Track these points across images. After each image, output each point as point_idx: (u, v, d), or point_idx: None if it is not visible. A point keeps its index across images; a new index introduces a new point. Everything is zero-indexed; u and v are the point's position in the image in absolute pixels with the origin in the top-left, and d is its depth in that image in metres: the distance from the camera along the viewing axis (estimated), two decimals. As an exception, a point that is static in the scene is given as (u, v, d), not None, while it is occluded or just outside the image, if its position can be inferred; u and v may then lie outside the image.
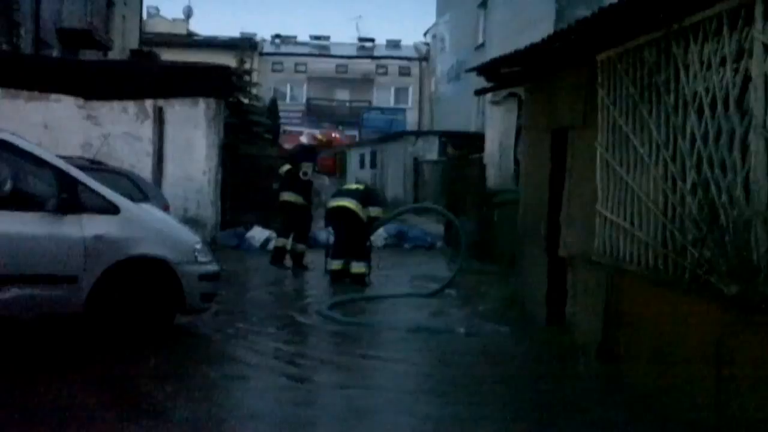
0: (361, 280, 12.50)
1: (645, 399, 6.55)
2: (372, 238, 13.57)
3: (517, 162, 15.44)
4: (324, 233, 14.37)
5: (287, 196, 13.59)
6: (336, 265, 12.61)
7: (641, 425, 6.10)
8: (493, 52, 16.36)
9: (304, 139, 14.10)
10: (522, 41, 9.34)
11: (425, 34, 51.32)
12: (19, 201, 7.65)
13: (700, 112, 5.90)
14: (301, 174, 13.51)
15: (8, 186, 7.64)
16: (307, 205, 13.44)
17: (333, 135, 15.68)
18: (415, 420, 6.15)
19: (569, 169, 8.74)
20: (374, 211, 12.83)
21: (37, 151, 7.84)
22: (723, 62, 5.63)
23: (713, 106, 5.73)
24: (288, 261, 13.67)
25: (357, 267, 12.50)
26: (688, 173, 6.04)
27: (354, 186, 13.71)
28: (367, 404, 6.44)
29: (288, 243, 13.67)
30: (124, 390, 6.58)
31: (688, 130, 6.05)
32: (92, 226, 7.72)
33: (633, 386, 6.90)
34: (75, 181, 7.73)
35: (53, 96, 16.01)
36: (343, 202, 12.76)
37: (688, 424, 5.89)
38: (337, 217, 12.79)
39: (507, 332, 9.40)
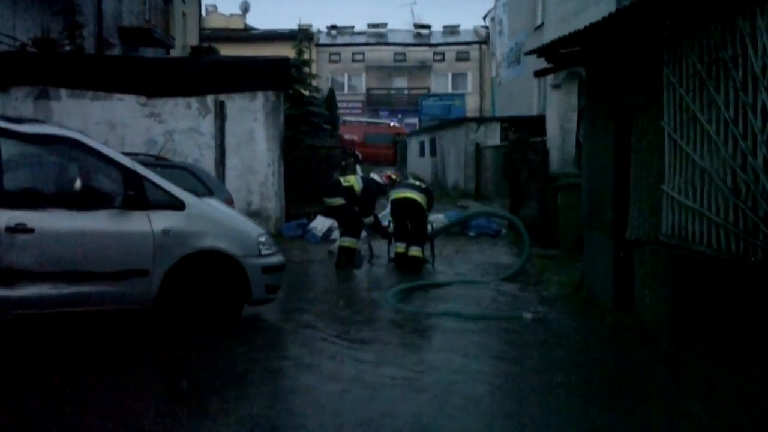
0: (418, 264, 12.90)
1: (717, 384, 6.41)
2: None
3: (579, 145, 15.22)
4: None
5: (326, 200, 13.70)
6: (400, 247, 13.12)
7: (715, 412, 5.96)
8: (552, 33, 16.14)
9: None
10: (581, 21, 9.19)
11: (485, 18, 50.91)
12: (89, 198, 7.81)
13: (770, 87, 5.72)
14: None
15: (78, 184, 7.81)
16: (345, 203, 13.41)
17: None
18: (492, 411, 6.13)
19: (634, 150, 8.57)
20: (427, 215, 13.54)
21: (104, 150, 7.99)
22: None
23: (784, 80, 5.55)
24: (358, 259, 13.56)
25: (414, 250, 13.00)
26: (760, 150, 5.87)
27: (417, 182, 13.97)
28: (436, 393, 6.41)
29: (348, 242, 13.51)
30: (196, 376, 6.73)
31: (759, 106, 5.87)
32: (159, 221, 7.88)
33: (705, 371, 6.75)
34: (141, 178, 7.88)
35: (117, 95, 16.31)
36: (408, 193, 13.23)
37: (762, 411, 5.75)
38: (402, 208, 13.20)
39: (573, 317, 9.32)
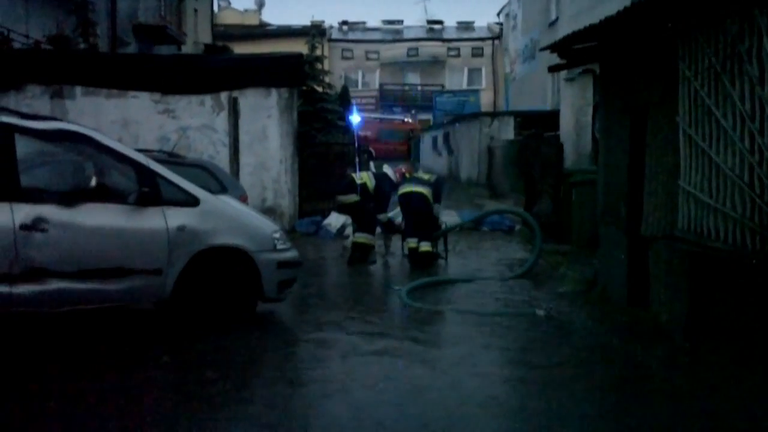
0: (430, 259, 13.01)
1: (734, 381, 6.37)
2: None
3: (595, 140, 15.16)
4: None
5: (341, 198, 13.71)
6: (412, 243, 13.15)
7: (731, 410, 5.92)
8: (566, 28, 16.07)
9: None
10: (596, 16, 9.12)
11: (498, 14, 50.74)
12: (103, 195, 7.82)
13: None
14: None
15: (92, 181, 7.82)
16: (359, 200, 13.42)
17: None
18: (497, 409, 6.11)
19: (650, 145, 8.52)
20: (435, 208, 13.48)
21: (117, 146, 8.01)
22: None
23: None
24: (373, 255, 13.55)
25: (424, 246, 13.07)
26: (776, 145, 5.83)
27: (426, 176, 14.00)
28: (446, 391, 6.41)
29: (363, 238, 13.52)
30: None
31: (775, 101, 5.83)
32: (174, 217, 7.89)
33: (721, 368, 6.71)
34: (155, 175, 7.89)
35: (131, 92, 16.36)
36: (414, 187, 13.33)
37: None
38: (409, 202, 13.31)
39: (587, 314, 9.26)
